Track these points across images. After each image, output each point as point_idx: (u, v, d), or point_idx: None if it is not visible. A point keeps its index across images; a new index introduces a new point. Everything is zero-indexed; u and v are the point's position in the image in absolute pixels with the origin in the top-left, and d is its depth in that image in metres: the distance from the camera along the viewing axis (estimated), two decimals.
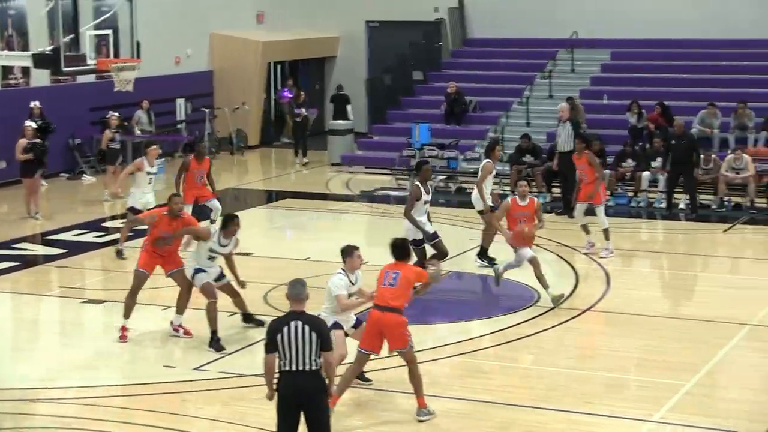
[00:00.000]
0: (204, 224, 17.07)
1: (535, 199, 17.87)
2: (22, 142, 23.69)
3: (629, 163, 25.17)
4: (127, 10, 21.48)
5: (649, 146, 25.97)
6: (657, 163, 24.82)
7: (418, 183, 17.59)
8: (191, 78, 33.13)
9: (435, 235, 17.61)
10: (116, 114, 26.70)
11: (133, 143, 29.48)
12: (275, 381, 10.23)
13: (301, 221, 23.46)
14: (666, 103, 27.45)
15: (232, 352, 14.81)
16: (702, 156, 24.32)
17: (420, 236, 17.32)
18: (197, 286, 15.35)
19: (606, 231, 19.95)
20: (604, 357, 14.76)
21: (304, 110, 31.35)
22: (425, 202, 17.49)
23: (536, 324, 15.94)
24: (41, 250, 21.28)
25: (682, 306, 17.25)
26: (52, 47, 19.77)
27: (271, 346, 10.09)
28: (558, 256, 20.04)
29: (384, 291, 12.28)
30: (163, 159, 30.16)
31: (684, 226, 22.96)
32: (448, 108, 30.29)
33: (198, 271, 15.29)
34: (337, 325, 12.78)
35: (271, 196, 27.61)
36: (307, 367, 10.02)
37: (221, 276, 15.54)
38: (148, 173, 20.35)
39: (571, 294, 17.43)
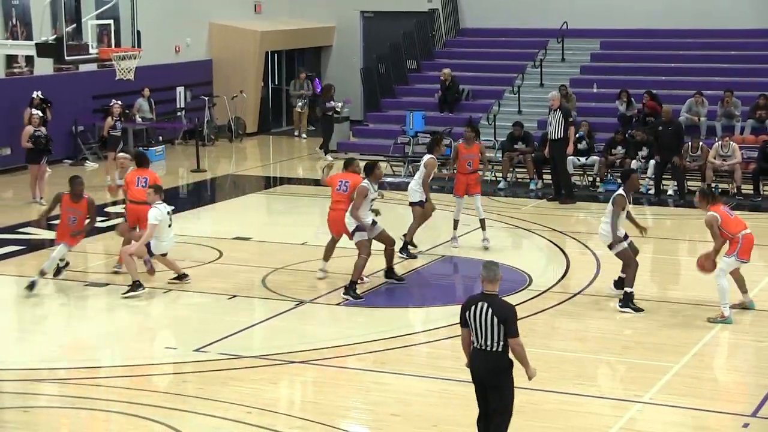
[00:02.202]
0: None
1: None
2: (29, 129, 23.67)
3: (619, 150, 25.14)
4: (128, 1, 21.42)
5: (630, 135, 25.78)
6: (644, 152, 24.81)
7: (623, 192, 15.92)
8: (191, 67, 33.08)
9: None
10: (119, 102, 26.66)
11: (133, 130, 29.47)
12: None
13: (297, 207, 23.39)
14: (654, 91, 27.53)
15: (231, 335, 14.80)
16: (690, 143, 24.36)
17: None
18: (355, 241, 16.48)
19: (483, 221, 19.45)
20: (595, 339, 14.78)
21: (337, 103, 30.85)
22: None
23: (528, 307, 15.95)
24: (45, 234, 21.24)
25: (670, 289, 17.26)
26: (54, 37, 19.73)
27: (462, 322, 10.26)
28: (549, 241, 20.06)
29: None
30: (162, 146, 30.24)
31: (672, 211, 22.98)
32: (441, 96, 30.26)
33: (358, 229, 16.40)
34: None
35: (269, 182, 27.60)
36: (489, 348, 10.11)
37: (374, 222, 16.72)
38: None
39: (562, 278, 17.45)
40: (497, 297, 10.19)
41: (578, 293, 16.70)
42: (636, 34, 31.92)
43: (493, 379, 10.18)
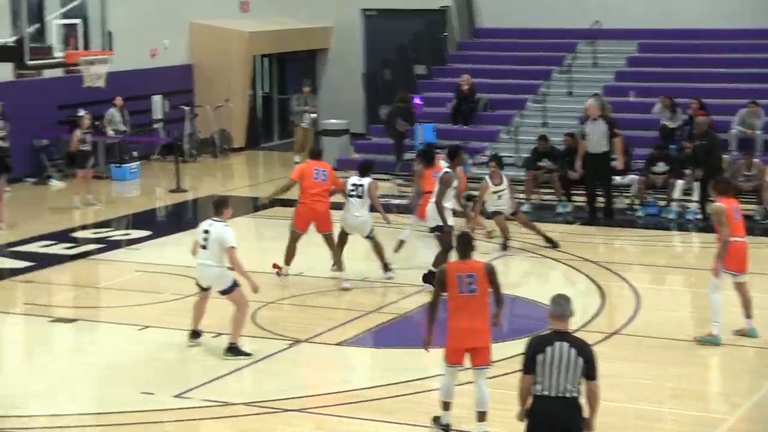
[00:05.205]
0: None
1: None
2: None
3: (660, 167, 24.85)
4: None
5: (678, 149, 25.77)
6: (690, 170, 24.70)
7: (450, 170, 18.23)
8: (169, 72, 33.11)
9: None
10: (87, 113, 26.67)
11: (105, 144, 29.47)
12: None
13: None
14: (703, 100, 27.22)
15: (218, 378, 14.74)
16: (742, 160, 24.15)
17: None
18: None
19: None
20: (633, 386, 14.63)
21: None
22: (455, 187, 18.24)
23: None
24: (5, 262, 21.19)
25: (722, 329, 17.14)
26: (15, 38, 19.77)
27: (528, 367, 10.03)
28: (580, 272, 19.98)
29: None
30: (138, 162, 30.22)
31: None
32: (456, 105, 30.11)
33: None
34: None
35: (258, 204, 27.53)
36: (567, 394, 9.95)
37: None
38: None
39: (596, 316, 17.36)
40: (572, 335, 10.10)
41: (614, 333, 16.61)
42: (679, 34, 31.90)
43: (575, 429, 10.04)
